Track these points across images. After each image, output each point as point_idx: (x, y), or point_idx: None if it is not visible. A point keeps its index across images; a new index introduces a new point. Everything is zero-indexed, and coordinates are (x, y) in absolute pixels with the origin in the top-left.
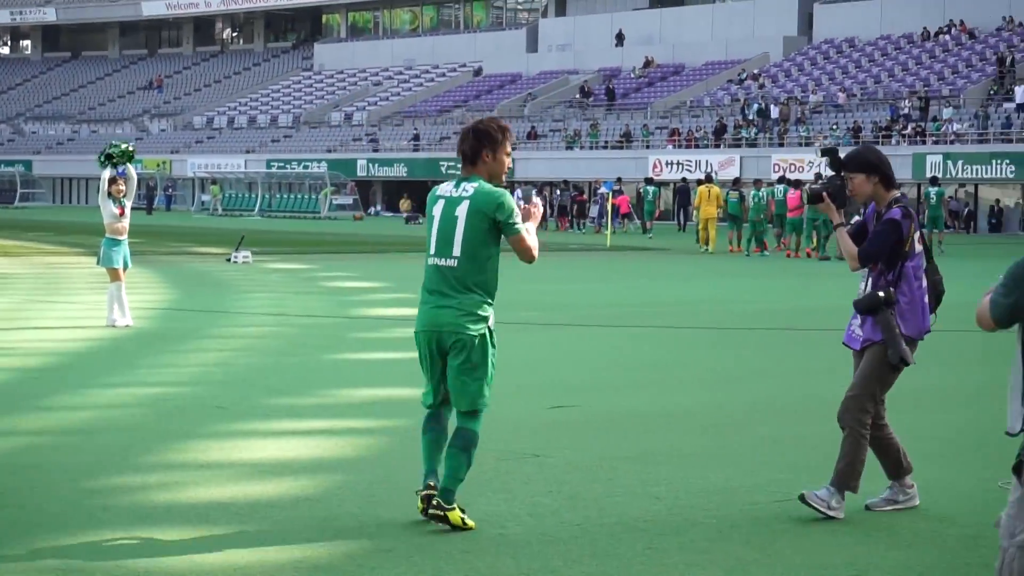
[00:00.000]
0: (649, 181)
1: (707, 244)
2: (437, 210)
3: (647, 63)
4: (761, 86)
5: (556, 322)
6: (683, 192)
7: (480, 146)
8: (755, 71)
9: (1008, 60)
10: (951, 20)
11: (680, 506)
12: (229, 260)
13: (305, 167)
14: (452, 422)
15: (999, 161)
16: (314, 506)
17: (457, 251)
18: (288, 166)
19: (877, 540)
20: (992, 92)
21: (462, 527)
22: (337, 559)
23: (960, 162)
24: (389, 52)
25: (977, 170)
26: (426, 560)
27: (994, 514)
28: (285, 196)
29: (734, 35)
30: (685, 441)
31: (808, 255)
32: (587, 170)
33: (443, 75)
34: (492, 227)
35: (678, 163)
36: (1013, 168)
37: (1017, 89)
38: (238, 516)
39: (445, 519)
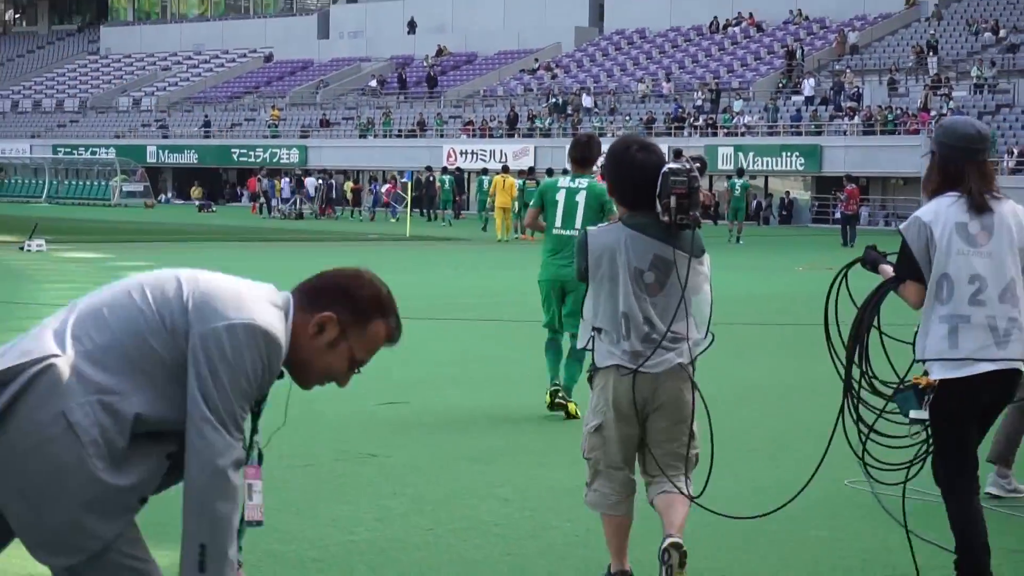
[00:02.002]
0: (445, 171)
1: (508, 232)
2: (560, 196)
3: (440, 51)
4: (554, 76)
5: None
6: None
7: (591, 155)
8: (547, 61)
9: (796, 53)
10: (740, 12)
11: (531, 508)
12: (22, 248)
13: (93, 153)
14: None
15: (788, 153)
16: (147, 506)
17: (578, 224)
18: (75, 152)
19: (734, 542)
20: (781, 85)
21: (575, 416)
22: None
23: (751, 154)
24: (178, 36)
25: (768, 162)
26: (277, 570)
27: (844, 515)
28: (73, 183)
29: (526, 24)
30: (524, 439)
31: None
32: (381, 159)
33: (233, 61)
34: (600, 208)
35: (472, 152)
36: (803, 161)
37: (805, 82)
38: None
39: (565, 408)
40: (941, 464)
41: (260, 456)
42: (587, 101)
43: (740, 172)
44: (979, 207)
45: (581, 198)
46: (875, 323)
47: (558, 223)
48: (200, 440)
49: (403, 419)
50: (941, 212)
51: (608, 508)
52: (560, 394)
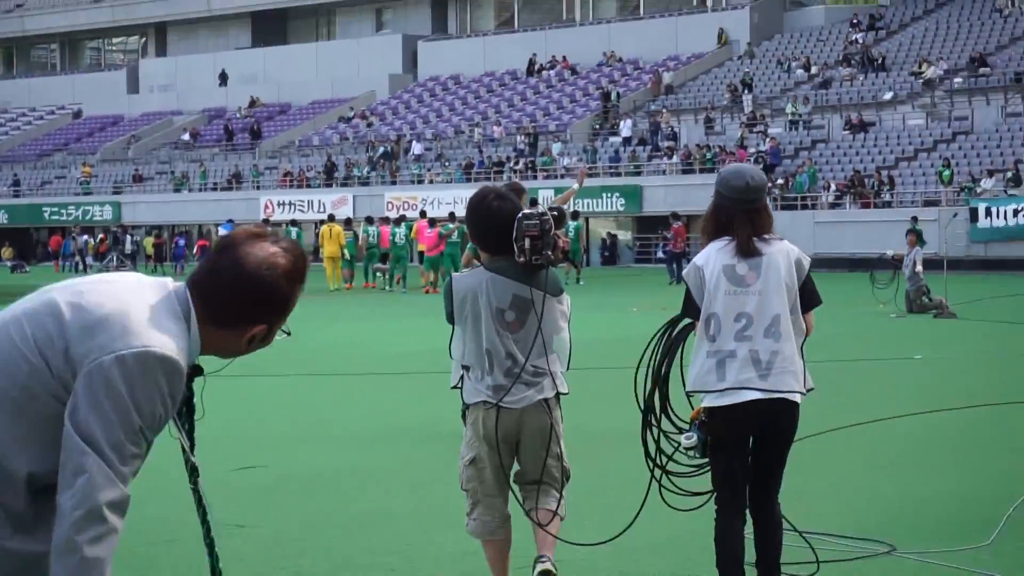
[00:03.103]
0: (266, 222)
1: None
2: None
3: (252, 102)
4: (369, 124)
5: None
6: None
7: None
8: (363, 109)
9: (612, 95)
10: (553, 56)
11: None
12: None
13: None
14: None
15: (609, 194)
16: None
17: None
18: None
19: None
20: (598, 127)
21: None
22: None
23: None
24: None
25: (589, 203)
26: None
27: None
28: None
29: (340, 73)
30: (395, 501)
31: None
32: (198, 212)
33: (41, 118)
34: None
35: (290, 203)
36: (623, 201)
37: (622, 123)
38: None
39: None
40: (715, 486)
41: (195, 470)
42: (417, 148)
43: (574, 215)
44: (745, 251)
45: None
46: (674, 363)
47: None
48: (76, 475)
49: (264, 484)
50: (711, 256)
51: (489, 534)
52: None
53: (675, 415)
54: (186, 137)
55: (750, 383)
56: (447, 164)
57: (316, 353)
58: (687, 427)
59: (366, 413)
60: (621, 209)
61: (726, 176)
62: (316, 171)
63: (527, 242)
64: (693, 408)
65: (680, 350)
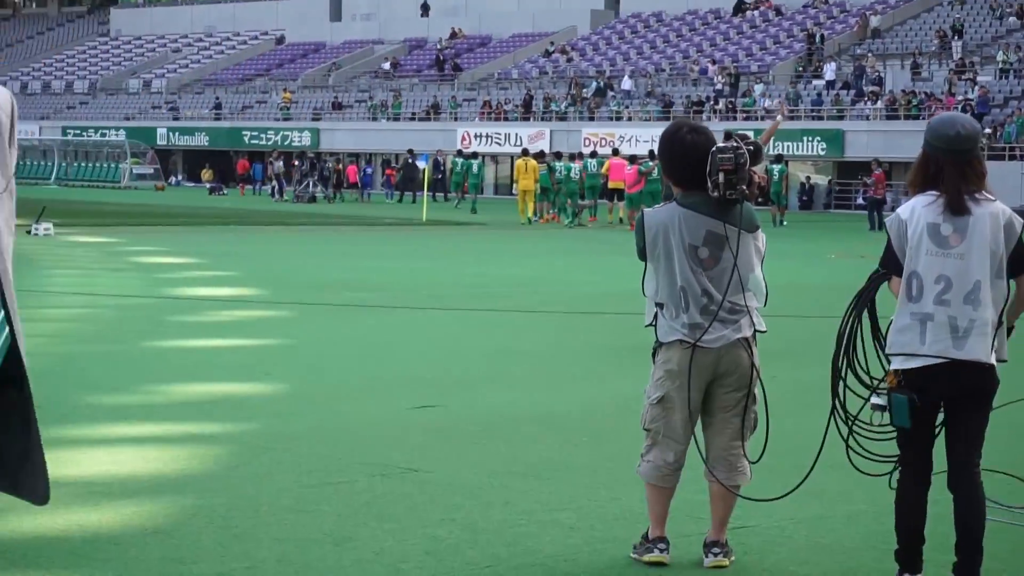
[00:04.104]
0: (459, 153)
1: (531, 215)
2: None
3: (453, 34)
4: (569, 59)
5: (392, 304)
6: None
7: None
8: (563, 44)
9: (817, 37)
10: None
11: (599, 539)
12: (29, 232)
13: (103, 135)
14: None
15: (810, 138)
16: (166, 542)
17: None
18: (85, 134)
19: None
20: (801, 69)
21: None
22: None
23: (772, 139)
24: (188, 18)
25: (789, 147)
26: None
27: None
28: (83, 165)
29: (541, 7)
30: (579, 451)
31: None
32: (396, 141)
33: (244, 43)
34: None
35: (487, 136)
36: (824, 145)
37: (826, 66)
38: (75, 557)
39: None
40: (898, 445)
41: None
42: (627, 84)
43: (778, 158)
44: (955, 208)
45: None
46: (867, 318)
47: None
48: None
49: (440, 426)
50: (917, 210)
51: (658, 479)
52: None
53: (866, 373)
54: (386, 66)
55: (945, 351)
56: (646, 103)
57: (511, 288)
58: (880, 387)
59: (550, 354)
60: (822, 153)
61: (936, 125)
62: (514, 104)
63: (721, 176)
64: (888, 368)
65: (872, 303)
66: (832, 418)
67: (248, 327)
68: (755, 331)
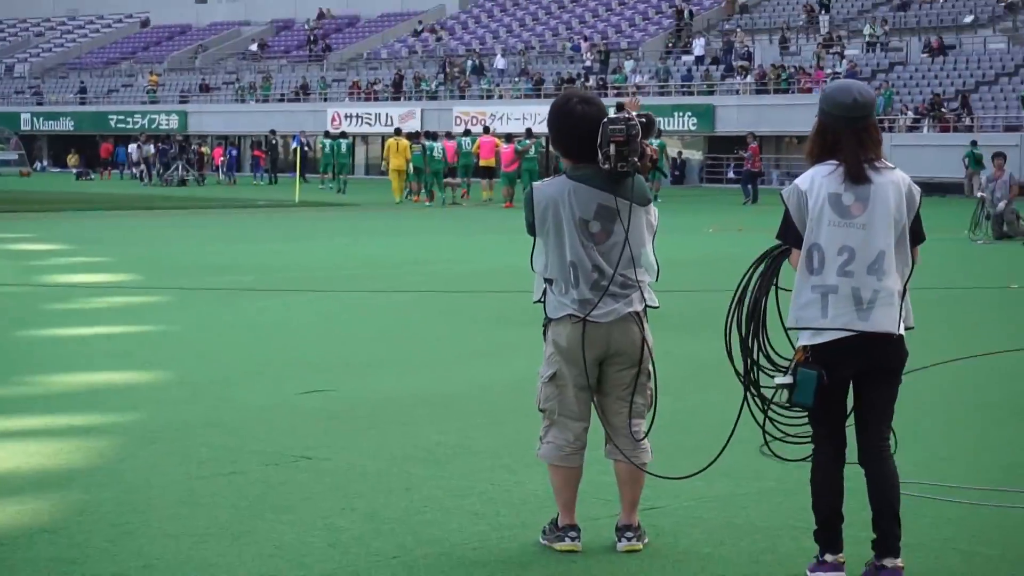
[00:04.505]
0: (327, 134)
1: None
2: None
3: (321, 14)
4: (439, 39)
5: (271, 287)
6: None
7: None
8: (432, 23)
9: (685, 12)
10: None
11: (506, 525)
12: None
13: None
14: None
15: (681, 113)
16: (56, 541)
17: None
18: None
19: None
20: (671, 45)
21: None
22: None
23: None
24: (51, 2)
25: (661, 123)
26: None
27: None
28: None
29: None
30: (476, 434)
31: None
32: (265, 123)
33: (109, 26)
34: None
35: (358, 116)
36: (695, 121)
37: (695, 42)
38: None
39: None
40: (813, 428)
41: None
42: (500, 63)
43: (657, 133)
44: (855, 177)
45: None
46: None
47: None
48: None
49: (332, 411)
50: (817, 180)
51: (560, 460)
52: None
53: (773, 351)
54: (254, 48)
55: (851, 324)
56: (516, 81)
57: (388, 269)
58: (785, 367)
59: (439, 335)
60: (693, 128)
61: (831, 92)
62: (384, 84)
63: (612, 148)
64: (793, 345)
65: (775, 280)
66: (744, 402)
67: (125, 313)
68: (646, 306)
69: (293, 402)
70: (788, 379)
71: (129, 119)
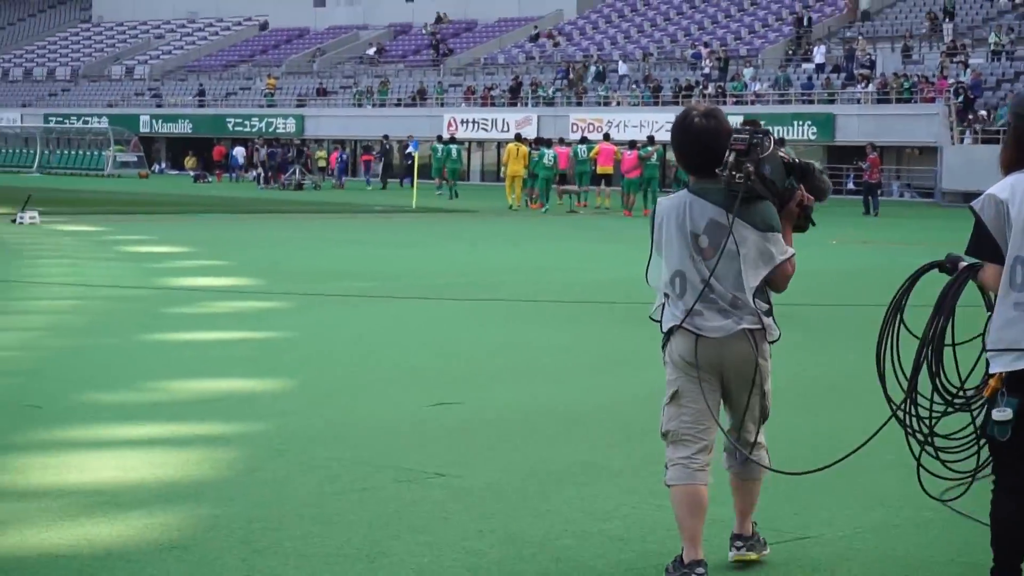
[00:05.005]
0: (439, 139)
1: (516, 202)
2: None
3: (439, 19)
4: (556, 44)
5: (392, 294)
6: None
7: None
8: (550, 28)
9: (805, 20)
10: None
11: (653, 552)
12: (14, 221)
13: (85, 122)
14: None
15: (800, 122)
16: (185, 558)
17: None
18: (67, 121)
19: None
20: (790, 52)
21: None
22: None
23: (762, 123)
24: (171, 5)
25: (779, 131)
26: None
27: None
28: (65, 152)
29: None
30: (608, 453)
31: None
32: (380, 128)
33: (228, 29)
34: None
35: (474, 121)
36: (815, 129)
37: (816, 50)
38: None
39: None
40: (995, 458)
41: None
42: (623, 68)
43: (781, 142)
44: None
45: None
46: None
47: None
48: None
49: (461, 425)
50: (1018, 188)
51: (685, 478)
52: None
53: (947, 381)
54: (372, 52)
55: None
56: (635, 88)
57: (502, 275)
58: (961, 397)
59: (562, 345)
60: (812, 138)
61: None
62: (501, 90)
63: (732, 156)
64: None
65: (956, 302)
66: (906, 431)
67: (246, 319)
68: (762, 327)
69: (421, 415)
70: (1007, 414)
71: (246, 122)
